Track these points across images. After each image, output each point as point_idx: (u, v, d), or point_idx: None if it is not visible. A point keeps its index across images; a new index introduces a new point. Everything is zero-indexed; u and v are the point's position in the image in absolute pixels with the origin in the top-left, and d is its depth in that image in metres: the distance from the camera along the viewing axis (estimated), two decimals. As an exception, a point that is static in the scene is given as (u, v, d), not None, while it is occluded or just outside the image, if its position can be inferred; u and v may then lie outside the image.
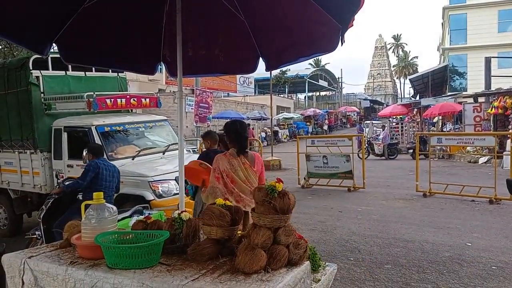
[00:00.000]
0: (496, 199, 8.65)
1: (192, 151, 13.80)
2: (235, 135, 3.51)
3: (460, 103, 22.27)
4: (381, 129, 23.09)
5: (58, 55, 3.62)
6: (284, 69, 47.38)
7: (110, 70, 8.31)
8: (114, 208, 2.63)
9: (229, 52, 3.84)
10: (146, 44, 3.88)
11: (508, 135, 14.02)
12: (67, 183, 5.31)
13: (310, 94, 60.99)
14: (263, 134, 29.81)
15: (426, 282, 4.62)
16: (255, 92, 44.04)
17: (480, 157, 15.43)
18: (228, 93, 39.75)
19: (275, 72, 44.75)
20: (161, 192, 6.22)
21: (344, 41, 2.86)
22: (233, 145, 3.50)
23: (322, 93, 68.27)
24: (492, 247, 5.76)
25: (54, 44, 3.45)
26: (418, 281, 4.64)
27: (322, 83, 57.64)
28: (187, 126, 24.65)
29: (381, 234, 6.59)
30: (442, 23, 40.22)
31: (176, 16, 3.38)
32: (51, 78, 7.75)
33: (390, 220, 7.49)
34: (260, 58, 3.89)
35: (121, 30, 3.64)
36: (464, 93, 28.28)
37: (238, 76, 37.63)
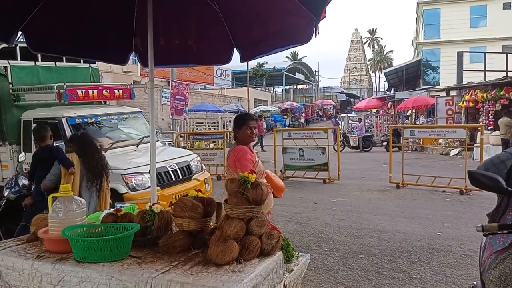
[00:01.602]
0: (466, 190, 8.89)
1: (168, 144, 13.67)
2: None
3: (433, 96, 22.75)
4: (358, 121, 23.41)
5: (26, 45, 3.50)
6: (261, 61, 47.39)
7: (81, 61, 8.11)
8: (83, 200, 2.57)
9: (202, 42, 3.79)
10: (118, 33, 3.79)
11: (478, 128, 14.42)
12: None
13: (287, 87, 61.19)
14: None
15: (398, 271, 4.71)
16: (232, 85, 43.86)
17: (452, 149, 15.82)
18: (205, 86, 39.45)
19: (253, 64, 44.81)
20: (134, 185, 6.14)
21: (318, 33, 2.86)
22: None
23: (299, 87, 68.59)
24: (462, 236, 5.92)
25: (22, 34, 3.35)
26: (390, 270, 4.73)
27: (299, 76, 57.90)
28: (163, 119, 24.37)
29: (355, 224, 6.69)
30: (416, 18, 40.90)
31: (148, 3, 3.31)
32: (20, 69, 7.52)
33: (364, 211, 7.61)
34: (235, 49, 3.86)
35: (91, 18, 3.53)
36: (437, 87, 28.89)
37: (215, 68, 37.39)
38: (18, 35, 3.37)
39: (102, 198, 4.70)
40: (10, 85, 7.23)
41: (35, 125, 6.89)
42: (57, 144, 5.32)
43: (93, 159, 4.64)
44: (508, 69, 17.94)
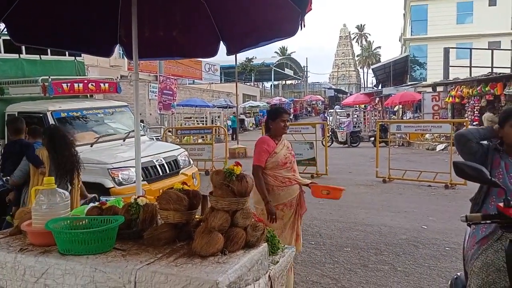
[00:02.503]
0: (451, 184, 9.02)
1: (156, 138, 13.60)
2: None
3: (419, 92, 22.96)
4: (346, 117, 23.54)
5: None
6: (250, 56, 47.33)
7: (66, 54, 8.01)
8: (66, 193, 2.54)
9: (188, 35, 3.76)
10: (102, 25, 3.74)
11: (464, 123, 14.61)
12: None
13: (276, 82, 61.23)
14: (229, 122, 29.70)
15: (383, 263, 4.77)
16: (221, 80, 43.75)
17: (438, 144, 16.00)
18: (193, 81, 39.27)
19: (241, 59, 44.71)
20: (121, 180, 6.09)
21: (304, 25, 2.86)
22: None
23: (288, 82, 68.72)
24: (447, 229, 6.01)
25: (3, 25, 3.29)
26: (375, 263, 4.79)
27: (288, 71, 57.96)
28: (150, 114, 24.22)
29: (341, 218, 6.74)
30: (404, 14, 41.18)
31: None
32: (3, 61, 7.41)
33: (350, 205, 7.67)
34: (221, 42, 3.84)
35: (75, 10, 3.48)
36: (423, 82, 29.17)
37: (203, 63, 37.27)
38: (1, 27, 3.31)
39: (74, 196, 4.46)
40: (-6, 78, 7.12)
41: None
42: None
43: (63, 156, 4.38)
44: (494, 65, 18.19)
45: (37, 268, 2.15)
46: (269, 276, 2.29)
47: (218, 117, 27.59)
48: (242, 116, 33.02)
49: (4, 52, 7.53)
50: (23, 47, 7.47)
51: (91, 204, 3.21)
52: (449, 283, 2.85)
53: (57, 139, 4.47)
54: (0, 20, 3.20)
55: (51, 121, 6.55)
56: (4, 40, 7.59)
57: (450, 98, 17.48)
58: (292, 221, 3.81)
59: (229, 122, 29.01)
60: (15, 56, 7.59)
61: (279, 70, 53.60)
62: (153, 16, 3.64)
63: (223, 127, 20.70)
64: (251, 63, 47.20)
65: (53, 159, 4.39)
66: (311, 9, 2.69)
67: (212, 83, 39.51)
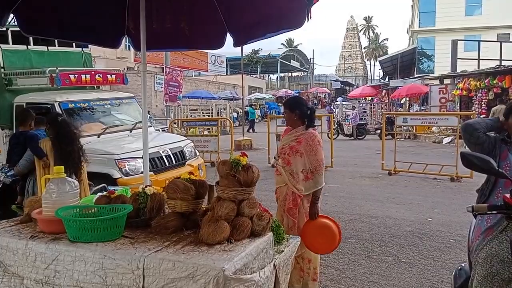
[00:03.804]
0: (457, 177, 9.00)
1: (162, 130, 13.65)
2: (306, 109, 3.62)
3: (427, 85, 22.78)
4: (351, 109, 23.45)
5: (18, 29, 3.48)
6: (256, 48, 47.16)
7: (74, 45, 8.04)
8: (76, 182, 2.59)
9: (195, 26, 3.78)
10: (110, 16, 3.77)
11: (471, 116, 14.52)
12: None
13: (282, 74, 61.06)
14: (235, 114, 29.71)
15: (388, 255, 4.80)
16: (226, 72, 43.67)
17: (444, 137, 15.93)
18: (199, 72, 39.27)
19: (247, 51, 44.54)
20: (128, 170, 6.15)
21: (311, 17, 2.86)
22: (303, 120, 3.62)
23: (294, 74, 68.45)
24: (452, 222, 6.02)
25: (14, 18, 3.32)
26: (380, 254, 4.82)
27: (294, 63, 57.73)
28: (157, 106, 24.29)
29: (346, 210, 6.77)
30: (412, 6, 40.77)
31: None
32: (12, 53, 7.45)
33: (356, 197, 7.69)
34: (228, 34, 3.86)
35: (83, 1, 3.51)
36: (431, 75, 28.92)
37: (209, 55, 37.20)
38: (10, 18, 3.35)
39: (82, 189, 4.39)
40: (2, 69, 7.16)
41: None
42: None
43: (67, 150, 4.44)
44: (502, 58, 18.00)
45: (48, 254, 2.20)
46: (274, 264, 2.33)
47: (224, 109, 27.60)
48: (248, 108, 32.98)
49: (12, 44, 7.57)
50: (31, 39, 7.51)
51: (100, 194, 3.26)
52: (453, 274, 2.88)
53: (62, 133, 4.52)
54: (10, 11, 3.23)
55: (59, 112, 6.61)
56: (12, 32, 7.62)
57: (458, 90, 17.34)
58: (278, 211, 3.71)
59: (235, 114, 29.03)
60: (23, 47, 7.64)
61: (285, 62, 53.40)
62: (160, 8, 3.66)
63: (228, 119, 20.74)
64: (257, 55, 47.06)
65: (58, 151, 4.46)
66: (318, 0, 2.70)
67: (218, 75, 39.49)
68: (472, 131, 2.50)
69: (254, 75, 47.81)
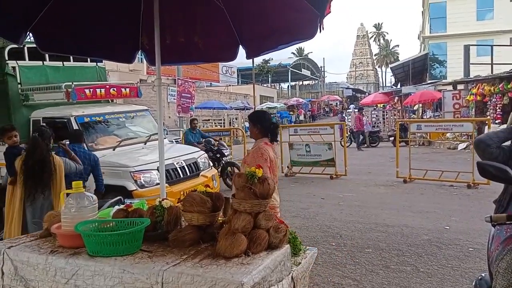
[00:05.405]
0: (474, 183, 8.87)
1: (175, 141, 13.73)
2: (269, 124, 3.61)
3: (439, 90, 22.59)
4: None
5: (34, 45, 3.56)
6: (267, 58, 47.40)
7: (88, 60, 8.19)
8: (94, 197, 2.62)
9: (208, 40, 3.82)
10: (124, 32, 3.84)
11: (486, 121, 14.33)
12: None
13: (293, 83, 61.13)
14: (247, 124, 29.74)
15: (405, 264, 4.74)
16: (238, 82, 43.91)
17: (459, 143, 15.74)
18: (210, 83, 39.54)
19: (258, 61, 44.79)
20: (143, 182, 6.20)
21: (323, 28, 2.88)
22: (265, 134, 3.59)
23: (305, 83, 68.50)
24: (470, 229, 5.92)
25: (30, 35, 3.40)
26: (397, 264, 4.76)
27: (305, 72, 57.79)
28: (170, 117, 24.48)
29: (362, 219, 6.71)
30: (422, 12, 40.61)
31: (154, 2, 3.35)
32: (28, 69, 7.62)
33: (371, 205, 7.63)
34: (240, 46, 3.89)
35: (98, 18, 3.58)
36: (443, 81, 28.66)
37: (220, 65, 37.43)
38: (27, 35, 3.43)
39: (56, 202, 4.30)
40: (19, 85, 7.32)
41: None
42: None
43: (27, 164, 4.21)
44: (516, 62, 17.80)
45: (68, 269, 2.22)
46: (291, 277, 2.31)
47: (236, 119, 27.70)
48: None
49: (29, 60, 7.74)
50: (47, 55, 7.67)
51: (117, 207, 3.29)
52: (474, 283, 2.82)
53: (28, 149, 4.33)
54: (27, 30, 3.31)
55: (75, 126, 6.72)
56: (28, 48, 7.79)
57: (472, 96, 17.16)
58: None
59: (247, 124, 29.03)
60: (39, 63, 7.81)
61: (296, 71, 53.49)
62: (174, 23, 3.71)
63: (241, 129, 20.78)
64: (268, 64, 47.27)
65: (25, 168, 4.26)
66: (330, 11, 2.71)
67: (230, 85, 39.71)
68: (485, 148, 2.48)
69: (265, 85, 48.01)
